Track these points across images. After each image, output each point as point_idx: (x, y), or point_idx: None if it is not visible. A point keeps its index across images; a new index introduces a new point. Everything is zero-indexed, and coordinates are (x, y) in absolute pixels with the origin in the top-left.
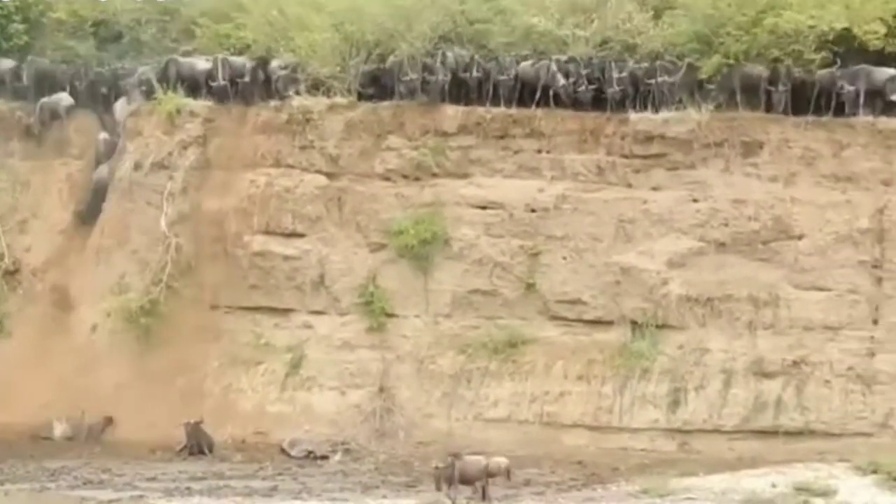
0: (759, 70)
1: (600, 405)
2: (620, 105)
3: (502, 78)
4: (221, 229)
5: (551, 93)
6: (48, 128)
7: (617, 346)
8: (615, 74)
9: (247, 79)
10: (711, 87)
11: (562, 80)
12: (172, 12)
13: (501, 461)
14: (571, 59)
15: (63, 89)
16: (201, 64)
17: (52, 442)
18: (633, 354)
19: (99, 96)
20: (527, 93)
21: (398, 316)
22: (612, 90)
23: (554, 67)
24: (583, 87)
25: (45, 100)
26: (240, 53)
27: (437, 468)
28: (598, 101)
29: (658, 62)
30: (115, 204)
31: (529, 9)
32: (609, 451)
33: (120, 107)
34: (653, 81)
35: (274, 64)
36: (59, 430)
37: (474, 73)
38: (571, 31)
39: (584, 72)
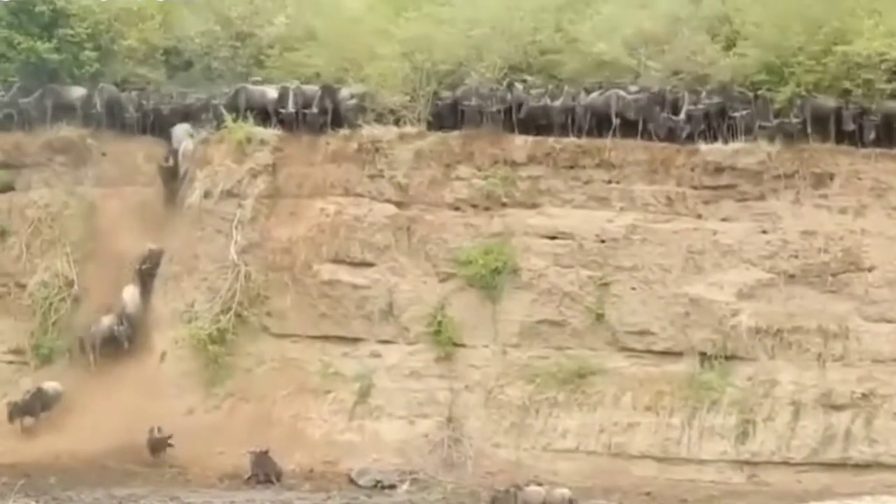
0: (830, 101)
1: (668, 436)
2: (690, 136)
3: (572, 108)
4: (290, 258)
5: (621, 123)
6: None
7: (686, 377)
8: (685, 105)
9: (316, 107)
10: (782, 118)
11: (632, 111)
12: (243, 39)
13: (564, 492)
14: (642, 90)
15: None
16: (271, 92)
17: (118, 469)
18: (701, 386)
19: (169, 124)
20: (597, 123)
21: (467, 345)
22: (683, 121)
23: (624, 97)
24: (653, 118)
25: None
26: (310, 82)
27: (495, 499)
28: (669, 132)
29: (728, 93)
30: (184, 232)
31: (600, 39)
32: (677, 482)
33: (178, 133)
34: (723, 112)
35: (344, 93)
36: None
37: (544, 103)
38: (642, 61)
39: (654, 102)
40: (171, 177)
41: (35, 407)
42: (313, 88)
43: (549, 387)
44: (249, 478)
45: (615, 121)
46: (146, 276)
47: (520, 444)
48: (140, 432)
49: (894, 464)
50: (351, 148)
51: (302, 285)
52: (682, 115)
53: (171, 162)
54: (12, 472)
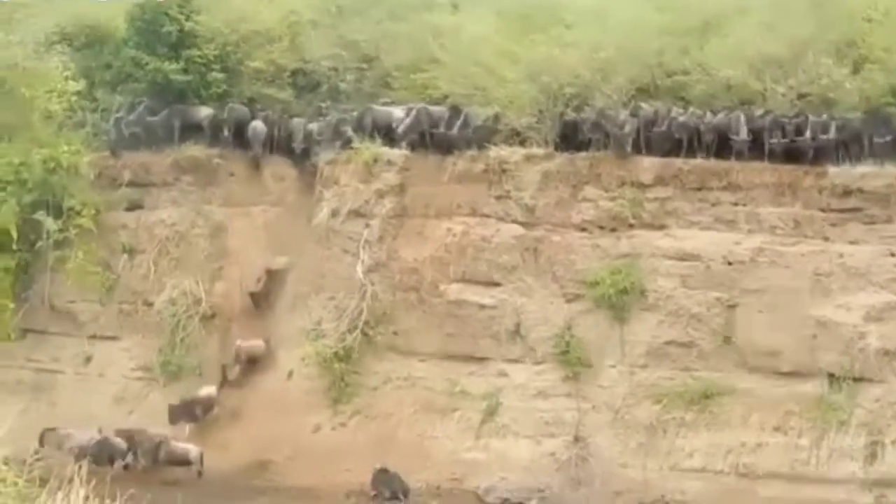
0: None
1: (796, 457)
2: (818, 158)
3: (699, 130)
4: (417, 277)
5: (748, 145)
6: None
7: (814, 398)
8: (812, 128)
9: (443, 128)
10: None
11: (760, 133)
12: (370, 61)
13: None
14: (769, 112)
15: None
16: (398, 113)
17: (245, 486)
18: (829, 407)
19: (296, 144)
20: (723, 144)
21: (594, 366)
22: (810, 143)
23: (751, 119)
24: (780, 140)
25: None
26: (436, 104)
27: None
28: (796, 154)
29: (855, 116)
30: (311, 251)
31: (727, 62)
32: (805, 502)
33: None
34: (851, 135)
35: (471, 114)
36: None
37: (671, 125)
38: (768, 84)
39: (781, 125)
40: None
41: (195, 411)
42: (440, 109)
43: (676, 407)
44: (376, 495)
45: (741, 141)
46: (260, 298)
47: (647, 464)
48: (267, 450)
49: None
50: (478, 169)
51: (429, 305)
52: (809, 138)
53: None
54: (140, 487)
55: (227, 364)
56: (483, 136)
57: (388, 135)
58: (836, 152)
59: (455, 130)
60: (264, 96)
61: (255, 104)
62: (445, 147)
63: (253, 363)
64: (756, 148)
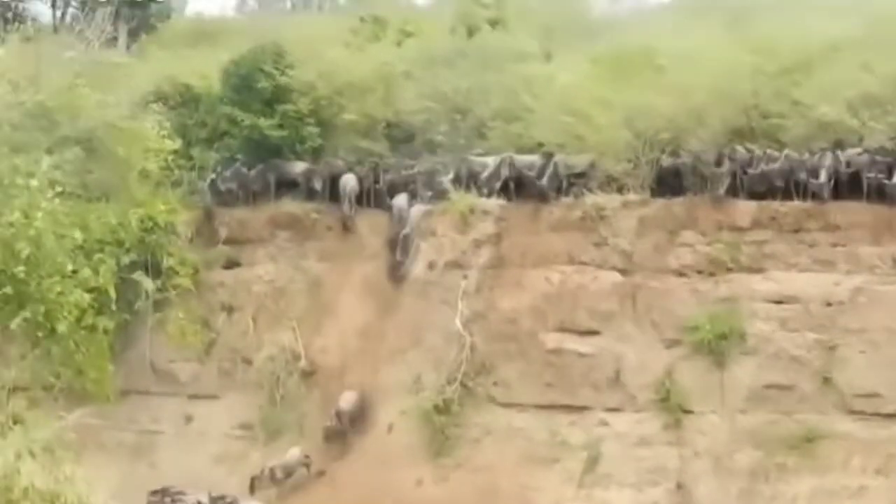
0: None
1: None
2: None
3: (796, 172)
4: (516, 327)
5: (845, 185)
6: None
7: None
8: None
9: (539, 177)
10: None
11: (861, 173)
12: (464, 112)
13: None
14: (866, 151)
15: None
16: (492, 162)
17: None
18: None
19: (392, 196)
20: (820, 186)
21: (695, 412)
22: None
23: (849, 160)
24: (878, 179)
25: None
26: (531, 152)
27: None
28: (893, 193)
29: None
30: (409, 303)
31: (822, 102)
32: None
33: (398, 204)
34: None
35: (566, 161)
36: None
37: (767, 168)
38: (865, 122)
39: (878, 164)
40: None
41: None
42: (534, 158)
43: (778, 452)
44: None
45: (839, 183)
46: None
47: None
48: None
49: None
50: (574, 216)
51: (528, 355)
52: None
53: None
54: None
55: (328, 426)
56: (573, 184)
57: (482, 184)
58: None
59: (545, 179)
60: (359, 149)
61: (349, 157)
62: (541, 195)
63: (354, 420)
64: (853, 187)
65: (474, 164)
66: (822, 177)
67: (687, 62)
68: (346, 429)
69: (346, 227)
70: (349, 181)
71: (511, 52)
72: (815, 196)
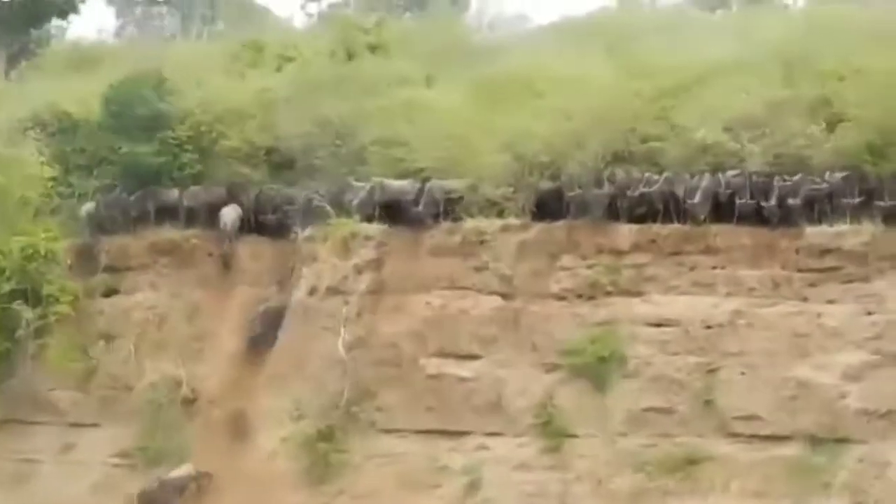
0: None
1: None
2: (794, 219)
3: (676, 194)
4: (397, 352)
5: (724, 208)
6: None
7: (795, 461)
8: (789, 188)
9: (415, 202)
10: (884, 199)
11: (737, 196)
12: (344, 137)
13: None
14: (744, 174)
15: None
16: (374, 188)
17: None
18: (811, 469)
19: (273, 222)
20: (700, 209)
21: (575, 436)
22: (787, 204)
23: (727, 182)
24: (756, 202)
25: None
26: (412, 177)
27: None
28: (773, 216)
29: (831, 175)
30: (291, 329)
31: (702, 125)
32: None
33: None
34: (826, 194)
35: (446, 186)
36: None
37: (646, 191)
38: (744, 145)
39: (758, 186)
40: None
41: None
42: (414, 183)
43: (658, 475)
44: None
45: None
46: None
47: None
48: None
49: None
50: (455, 241)
51: (409, 380)
52: (786, 199)
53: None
54: None
55: None
56: (450, 210)
57: (363, 210)
58: (811, 212)
59: (421, 205)
60: (239, 175)
61: (230, 184)
62: (421, 221)
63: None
64: (732, 210)
65: (355, 189)
66: (698, 198)
67: (567, 86)
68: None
69: (226, 263)
70: (228, 215)
71: (392, 77)
72: (692, 218)
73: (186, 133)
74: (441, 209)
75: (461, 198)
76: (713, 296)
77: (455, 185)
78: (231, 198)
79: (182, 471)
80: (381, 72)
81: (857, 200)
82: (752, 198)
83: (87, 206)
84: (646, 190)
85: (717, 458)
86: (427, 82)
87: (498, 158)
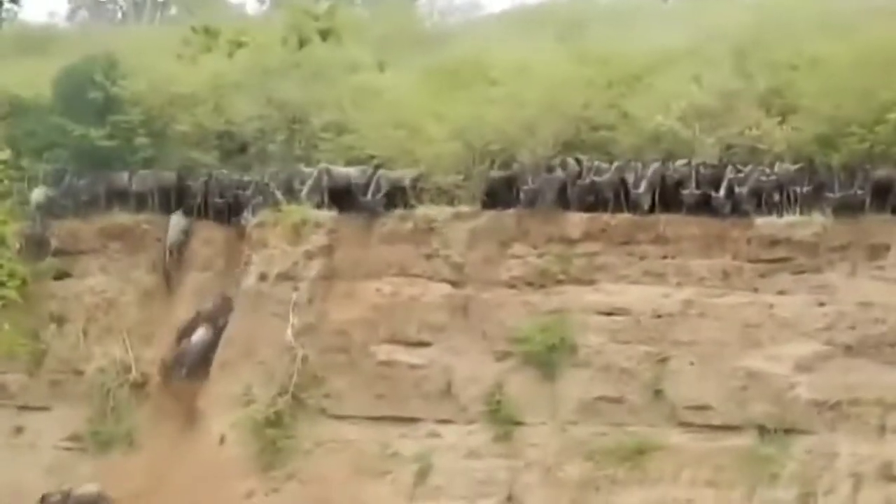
0: (885, 171)
1: None
2: (745, 209)
3: (626, 183)
4: (347, 339)
5: (675, 198)
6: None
7: (745, 451)
8: (740, 179)
9: (364, 191)
10: (835, 191)
11: (686, 185)
12: (296, 123)
13: None
14: (696, 164)
15: (185, 202)
16: (322, 174)
17: None
18: (761, 459)
19: (224, 207)
20: (651, 198)
21: (525, 424)
22: (737, 194)
23: (678, 172)
24: (707, 192)
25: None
26: (362, 164)
27: None
28: (723, 206)
29: (782, 166)
30: (240, 315)
31: (655, 113)
32: None
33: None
34: (777, 185)
35: (397, 174)
36: None
37: (597, 179)
38: (697, 135)
39: (710, 176)
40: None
41: None
42: (366, 169)
43: (608, 464)
44: None
45: (669, 196)
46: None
47: None
48: None
49: None
50: (406, 228)
51: (359, 366)
52: (737, 189)
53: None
54: None
55: None
56: (409, 196)
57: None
58: (762, 203)
59: (370, 194)
60: (191, 159)
61: (181, 168)
62: (372, 208)
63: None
64: (683, 200)
65: (304, 175)
66: (642, 187)
67: (519, 74)
68: None
69: (169, 282)
70: (173, 228)
71: (343, 63)
72: (636, 207)
73: (138, 117)
74: (389, 198)
75: (412, 186)
76: (664, 285)
77: (400, 173)
78: (181, 182)
79: (90, 488)
80: (333, 58)
81: (807, 191)
82: (699, 188)
83: (37, 191)
84: (596, 179)
85: (667, 447)
86: (379, 68)
87: (449, 146)
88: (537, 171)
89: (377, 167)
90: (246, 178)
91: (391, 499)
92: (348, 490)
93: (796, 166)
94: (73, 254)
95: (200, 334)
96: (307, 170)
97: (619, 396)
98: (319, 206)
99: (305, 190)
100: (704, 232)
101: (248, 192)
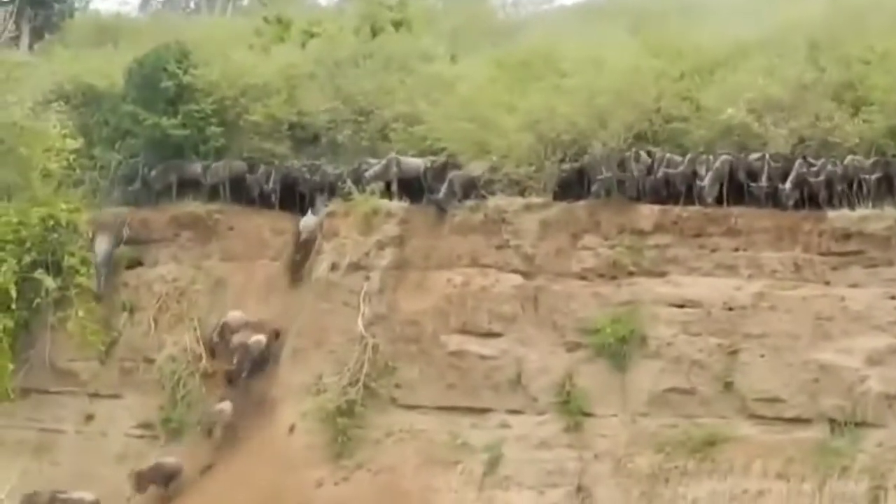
0: None
1: (799, 503)
2: (817, 202)
3: (699, 175)
4: (418, 329)
5: (748, 190)
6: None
7: (815, 444)
8: (812, 171)
9: (432, 188)
10: None
11: (759, 178)
12: (368, 113)
13: None
14: (769, 156)
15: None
16: (393, 164)
17: None
18: (831, 452)
19: (296, 197)
20: (724, 190)
21: (595, 415)
22: (810, 187)
23: (751, 164)
24: (780, 185)
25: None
26: (434, 155)
27: None
28: (795, 198)
29: (855, 158)
30: (312, 304)
31: (726, 106)
32: None
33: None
34: (850, 178)
35: (470, 165)
36: None
37: (669, 171)
38: (769, 127)
39: (781, 169)
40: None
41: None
42: (416, 161)
43: (678, 455)
44: None
45: (742, 188)
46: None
47: None
48: None
49: None
50: (477, 219)
51: (430, 356)
52: (809, 181)
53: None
54: None
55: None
56: (482, 187)
57: (387, 186)
58: (835, 195)
59: (442, 192)
60: (262, 150)
61: (252, 158)
62: (445, 198)
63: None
64: (755, 192)
65: (374, 165)
66: (708, 179)
67: (590, 66)
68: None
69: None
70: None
71: (415, 53)
72: (700, 199)
73: (210, 107)
74: (462, 189)
75: (480, 179)
76: (735, 278)
77: (472, 167)
78: (252, 172)
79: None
80: (405, 49)
81: (880, 184)
82: (775, 180)
83: (110, 179)
84: (668, 171)
85: (737, 439)
86: (451, 60)
87: (521, 137)
88: (609, 162)
89: (449, 157)
90: (317, 169)
91: (461, 489)
92: (418, 480)
93: (869, 160)
94: (144, 242)
95: (257, 339)
96: (373, 160)
97: (689, 388)
98: (388, 195)
99: (369, 175)
100: (776, 224)
101: (320, 182)
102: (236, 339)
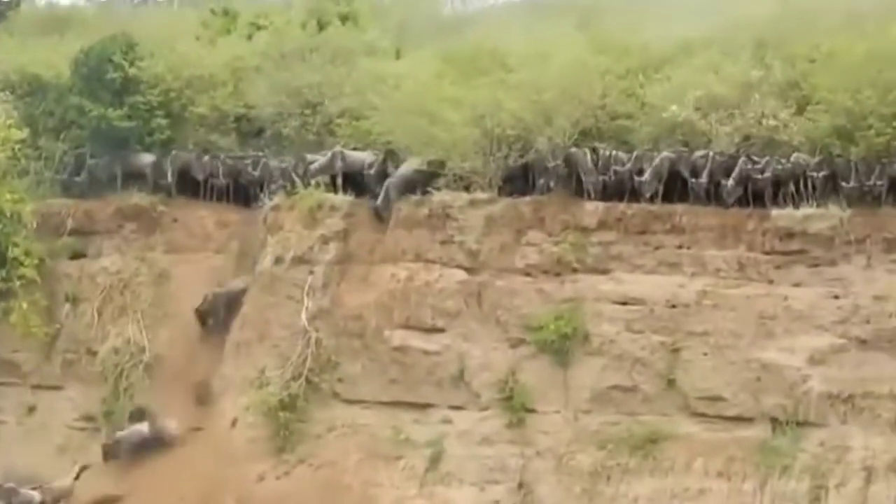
0: None
1: (740, 502)
2: (761, 201)
3: (643, 173)
4: (361, 324)
5: (690, 187)
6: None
7: (757, 442)
8: (757, 168)
9: (384, 179)
10: (852, 182)
11: (703, 176)
12: (314, 107)
13: None
14: (713, 154)
15: (203, 183)
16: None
17: None
18: (773, 451)
19: (241, 190)
20: (668, 188)
21: (538, 412)
22: (753, 186)
23: (694, 162)
24: (724, 183)
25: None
26: (378, 149)
27: None
28: (739, 197)
29: (799, 157)
30: (255, 298)
31: (671, 103)
32: None
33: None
34: (795, 176)
35: (414, 160)
36: None
37: (614, 168)
38: (714, 125)
39: (725, 166)
40: None
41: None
42: (360, 154)
43: (620, 453)
44: None
45: (686, 186)
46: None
47: None
48: (210, 499)
49: None
50: (422, 214)
51: (373, 351)
52: (753, 179)
53: None
54: None
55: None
56: (426, 182)
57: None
58: (778, 194)
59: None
60: (208, 142)
61: (198, 150)
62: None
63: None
64: (699, 190)
65: (319, 159)
66: (647, 176)
67: (536, 61)
68: None
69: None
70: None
71: (362, 48)
72: (639, 194)
73: (157, 98)
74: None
75: (429, 171)
76: (679, 275)
77: (416, 161)
78: (201, 165)
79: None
80: (352, 42)
81: (824, 183)
82: (719, 178)
83: (55, 170)
84: (616, 168)
85: (679, 437)
86: (397, 54)
87: (466, 132)
88: (554, 159)
89: (391, 153)
90: (262, 162)
91: (403, 484)
92: (360, 474)
93: (814, 158)
94: (88, 234)
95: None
96: (317, 155)
97: (632, 386)
98: (333, 189)
99: (314, 169)
100: (720, 223)
101: (264, 175)
102: None
